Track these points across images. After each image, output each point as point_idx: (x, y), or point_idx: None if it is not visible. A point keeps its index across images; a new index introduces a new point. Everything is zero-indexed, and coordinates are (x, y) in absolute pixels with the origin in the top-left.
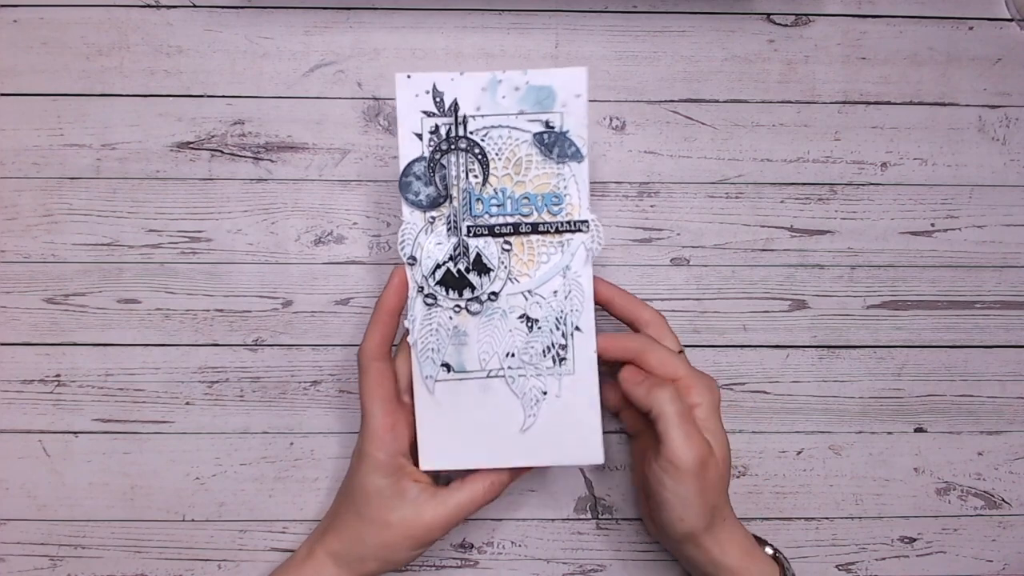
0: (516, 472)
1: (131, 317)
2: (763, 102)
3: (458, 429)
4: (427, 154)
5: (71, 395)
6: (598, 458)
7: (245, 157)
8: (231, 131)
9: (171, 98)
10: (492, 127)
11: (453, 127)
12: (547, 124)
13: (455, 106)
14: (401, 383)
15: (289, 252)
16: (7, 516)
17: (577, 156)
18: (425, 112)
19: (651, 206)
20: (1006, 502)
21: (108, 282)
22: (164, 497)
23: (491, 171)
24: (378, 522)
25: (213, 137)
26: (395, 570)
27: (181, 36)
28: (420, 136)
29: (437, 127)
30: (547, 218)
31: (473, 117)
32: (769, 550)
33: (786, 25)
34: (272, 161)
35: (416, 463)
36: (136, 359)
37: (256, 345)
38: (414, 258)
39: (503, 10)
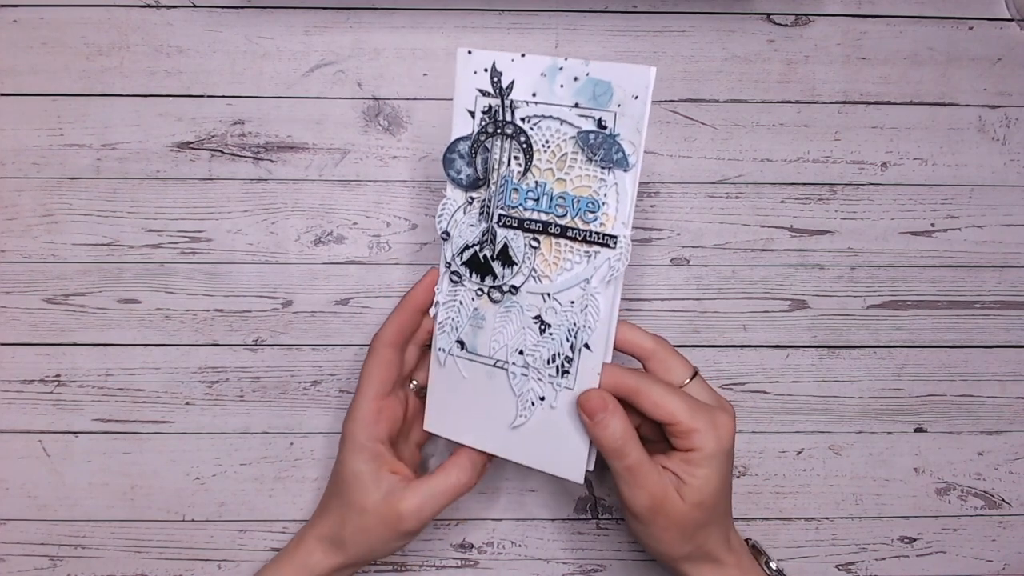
0: (491, 458)
1: (131, 317)
2: (763, 102)
3: (460, 405)
4: (473, 134)
5: (71, 395)
6: (578, 477)
7: (245, 157)
8: (231, 131)
9: (171, 98)
10: (544, 117)
11: (501, 111)
12: (599, 123)
13: (505, 89)
14: (404, 372)
15: (289, 252)
16: (7, 516)
17: (623, 163)
18: (481, 91)
19: (651, 206)
20: (1006, 502)
21: (108, 282)
22: (164, 497)
23: (534, 162)
24: (356, 507)
25: (213, 137)
26: (380, 559)
27: (181, 36)
28: (473, 114)
29: (491, 107)
30: (579, 224)
31: (526, 103)
32: (775, 565)
33: (786, 25)
34: (272, 161)
35: (397, 455)
36: (136, 359)
37: (256, 345)
38: (448, 233)
39: (503, 10)
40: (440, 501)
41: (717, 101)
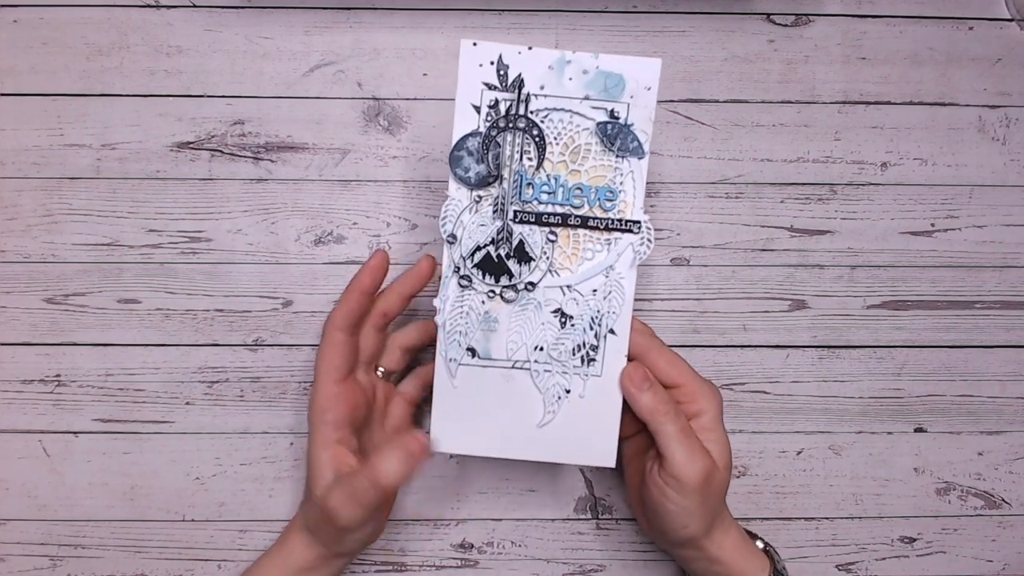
0: (406, 455)
1: (131, 317)
2: (763, 102)
3: (473, 415)
4: (483, 130)
5: (71, 395)
6: (610, 462)
7: (245, 157)
8: (231, 131)
9: (171, 98)
10: (553, 109)
11: (515, 104)
12: (612, 114)
13: (519, 82)
14: (363, 356)
15: (289, 252)
16: (7, 516)
17: (638, 152)
18: (487, 84)
19: (651, 206)
20: (1006, 502)
21: (108, 282)
22: (164, 497)
23: (547, 156)
24: (315, 494)
25: (213, 137)
26: (357, 548)
27: (181, 36)
28: (478, 109)
29: (497, 101)
30: (598, 213)
31: (536, 96)
32: (760, 544)
33: (786, 25)
34: (272, 161)
35: (371, 442)
36: (136, 359)
37: (256, 345)
38: (454, 236)
39: (503, 10)
40: (368, 498)
41: (717, 101)
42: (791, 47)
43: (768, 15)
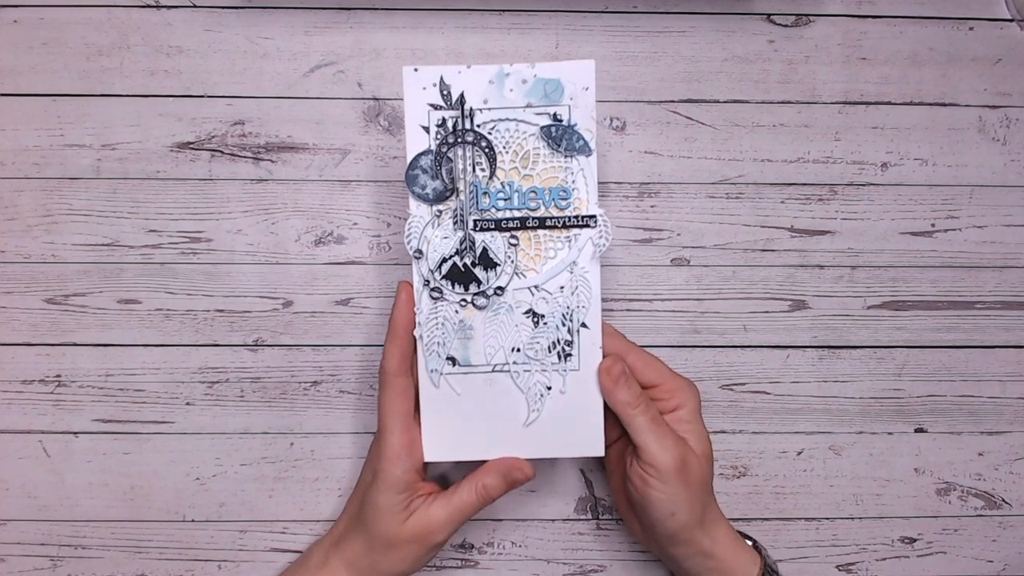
0: (510, 482)
1: (131, 317)
2: (763, 102)
3: (462, 421)
4: (434, 147)
5: (71, 395)
6: (599, 451)
7: (245, 157)
8: (231, 131)
9: (171, 98)
10: (499, 120)
11: (460, 120)
12: (555, 117)
13: (461, 99)
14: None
15: (289, 252)
16: (7, 516)
17: (585, 150)
18: (432, 105)
19: (651, 206)
20: (1006, 502)
21: (108, 282)
22: (164, 497)
23: (498, 164)
24: (384, 535)
25: (213, 137)
26: (410, 572)
27: (181, 36)
28: (427, 129)
29: (444, 120)
30: (554, 212)
31: (480, 110)
32: (749, 542)
33: (786, 25)
34: (272, 161)
35: (424, 478)
36: (136, 359)
37: (256, 345)
38: (420, 252)
39: (503, 10)
40: (466, 512)
41: (717, 101)
42: (791, 47)
43: (768, 15)
